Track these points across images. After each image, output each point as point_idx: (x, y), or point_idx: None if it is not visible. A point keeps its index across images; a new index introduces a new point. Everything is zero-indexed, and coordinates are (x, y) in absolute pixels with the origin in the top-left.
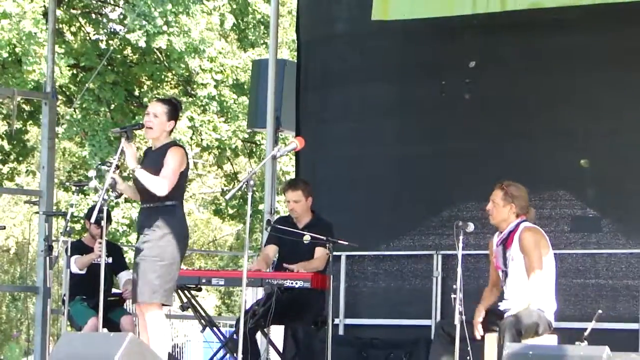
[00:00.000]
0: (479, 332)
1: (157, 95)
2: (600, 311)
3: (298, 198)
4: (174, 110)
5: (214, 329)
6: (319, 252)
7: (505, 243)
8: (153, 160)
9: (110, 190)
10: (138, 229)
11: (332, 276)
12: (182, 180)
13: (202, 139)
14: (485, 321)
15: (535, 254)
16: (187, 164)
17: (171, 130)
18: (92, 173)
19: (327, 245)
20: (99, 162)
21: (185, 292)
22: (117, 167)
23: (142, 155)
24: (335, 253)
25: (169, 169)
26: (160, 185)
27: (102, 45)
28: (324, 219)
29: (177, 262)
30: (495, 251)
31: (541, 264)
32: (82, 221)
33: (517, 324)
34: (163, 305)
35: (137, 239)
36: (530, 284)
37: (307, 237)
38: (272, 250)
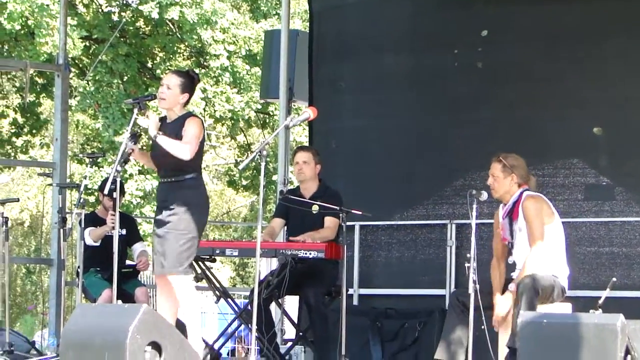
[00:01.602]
0: (499, 324)
1: (169, 67)
2: (614, 279)
3: (308, 159)
4: (189, 82)
5: (229, 300)
6: (329, 221)
7: (511, 215)
8: (170, 132)
9: (123, 159)
10: (160, 202)
11: (345, 246)
12: (200, 152)
13: (215, 110)
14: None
15: (536, 223)
16: (204, 135)
17: (186, 103)
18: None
19: (340, 215)
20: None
21: (200, 263)
22: (134, 137)
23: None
24: (349, 223)
25: (190, 134)
26: (183, 149)
27: (115, 17)
28: (330, 187)
29: (199, 235)
30: (502, 223)
31: (542, 234)
32: (95, 193)
33: (535, 283)
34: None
35: (158, 211)
36: (531, 253)
37: (315, 207)
38: (278, 224)
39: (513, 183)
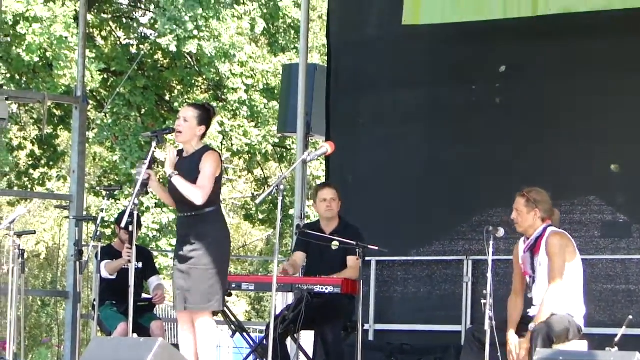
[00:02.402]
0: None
1: (187, 100)
2: (630, 317)
3: (334, 196)
4: (206, 115)
5: (244, 334)
6: (352, 261)
7: (533, 249)
8: (187, 167)
9: (140, 188)
10: (181, 237)
11: (362, 281)
12: (218, 184)
13: (232, 144)
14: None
15: (558, 261)
16: (222, 168)
17: (203, 136)
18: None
19: (358, 250)
20: (139, 159)
21: None
22: (151, 165)
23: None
24: (365, 258)
25: (205, 177)
26: (197, 194)
27: (133, 50)
28: (351, 224)
29: (226, 267)
30: (523, 257)
31: (562, 272)
32: (112, 226)
33: (549, 330)
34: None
35: (180, 246)
36: (549, 292)
37: (335, 243)
38: (300, 257)
39: (536, 218)
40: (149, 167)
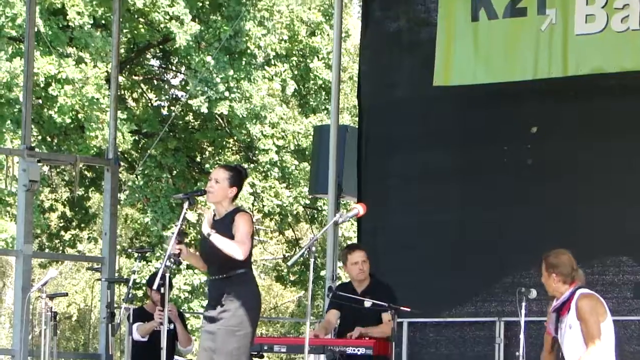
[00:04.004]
0: None
1: (218, 161)
2: None
3: (365, 258)
4: (237, 176)
5: None
6: (387, 316)
7: (560, 311)
8: (219, 229)
9: (172, 260)
10: (212, 299)
11: (394, 343)
12: (250, 247)
13: (263, 205)
14: None
15: (592, 322)
16: (253, 230)
17: (234, 197)
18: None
19: (390, 311)
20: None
21: None
22: (180, 234)
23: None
24: (397, 319)
25: (243, 232)
26: (237, 250)
27: (164, 111)
28: (382, 281)
29: (254, 329)
30: (549, 317)
31: (599, 332)
32: (144, 288)
33: None
34: None
35: (210, 308)
36: (588, 352)
37: (367, 303)
38: (334, 316)
39: (557, 282)
40: (180, 241)
